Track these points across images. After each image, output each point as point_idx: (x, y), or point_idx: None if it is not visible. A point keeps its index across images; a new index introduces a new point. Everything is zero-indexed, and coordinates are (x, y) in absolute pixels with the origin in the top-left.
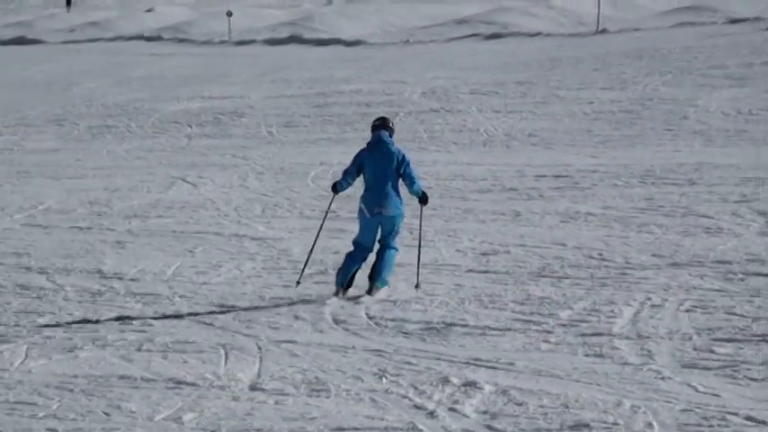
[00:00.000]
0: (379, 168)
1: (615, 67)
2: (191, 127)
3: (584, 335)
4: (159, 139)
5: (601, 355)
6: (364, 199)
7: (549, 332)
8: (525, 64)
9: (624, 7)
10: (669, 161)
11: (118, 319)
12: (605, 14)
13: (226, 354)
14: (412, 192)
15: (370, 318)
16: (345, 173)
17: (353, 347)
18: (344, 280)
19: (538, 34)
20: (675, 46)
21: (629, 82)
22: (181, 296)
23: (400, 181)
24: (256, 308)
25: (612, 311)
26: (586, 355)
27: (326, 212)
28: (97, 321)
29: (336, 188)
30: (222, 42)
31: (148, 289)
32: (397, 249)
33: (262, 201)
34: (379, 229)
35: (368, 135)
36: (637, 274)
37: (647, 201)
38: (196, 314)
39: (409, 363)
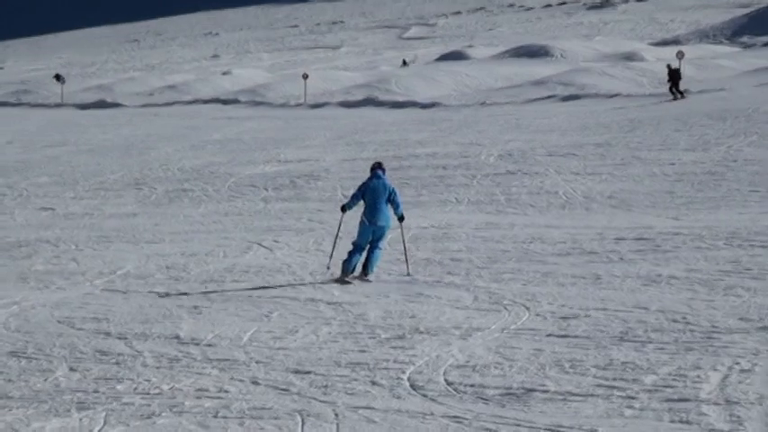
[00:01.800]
0: (377, 194)
1: (697, 128)
2: (267, 190)
3: (669, 400)
4: (235, 203)
5: (687, 422)
6: (365, 214)
7: (632, 398)
8: (604, 125)
9: (706, 67)
10: (756, 223)
11: (195, 385)
12: (687, 74)
13: (302, 420)
14: (396, 213)
15: (449, 383)
16: (353, 197)
17: (432, 414)
18: (349, 268)
19: (616, 95)
20: (760, 106)
21: (712, 143)
22: (257, 362)
23: (389, 204)
24: (333, 373)
25: (699, 376)
26: (672, 422)
27: (339, 228)
28: (174, 387)
29: (344, 208)
30: (298, 105)
31: (225, 354)
32: (382, 249)
33: (338, 265)
34: (372, 235)
35: (436, 195)
36: (724, 338)
37: (732, 263)
38: (272, 380)
39: (489, 429)
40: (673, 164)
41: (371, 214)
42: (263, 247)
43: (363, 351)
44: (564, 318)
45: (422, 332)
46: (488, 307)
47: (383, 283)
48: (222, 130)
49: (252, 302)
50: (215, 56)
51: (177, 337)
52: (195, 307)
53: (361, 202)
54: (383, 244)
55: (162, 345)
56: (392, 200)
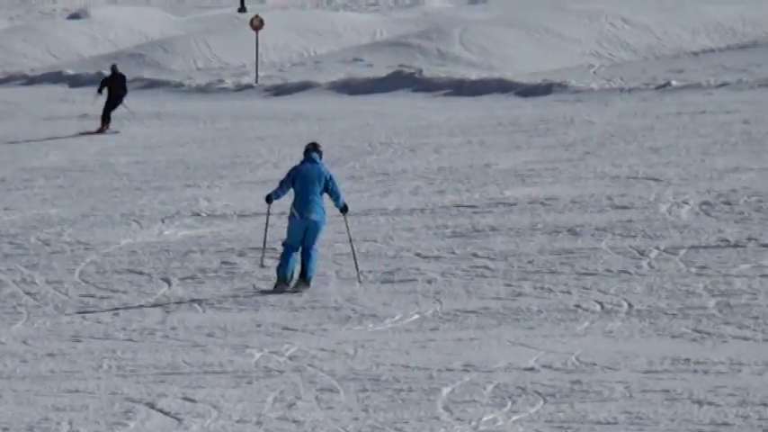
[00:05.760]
0: (309, 182)
1: None
2: (168, 284)
3: None
4: (99, 314)
5: None
6: (295, 205)
7: None
8: None
9: None
10: None
11: None
12: None
13: None
14: (337, 205)
15: None
16: (281, 183)
17: None
18: (286, 275)
19: None
20: None
21: None
22: None
23: (325, 195)
24: None
25: None
26: None
27: (267, 221)
28: None
29: (271, 198)
30: (241, 88)
31: None
32: (317, 251)
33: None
34: (304, 232)
35: (557, 295)
36: None
37: None
38: None
39: None
40: None
41: (302, 205)
42: (160, 412)
43: None
44: None
45: None
46: None
47: None
48: (66, 143)
49: None
50: None
51: None
52: None
53: (292, 192)
54: (318, 245)
55: None
56: (329, 189)
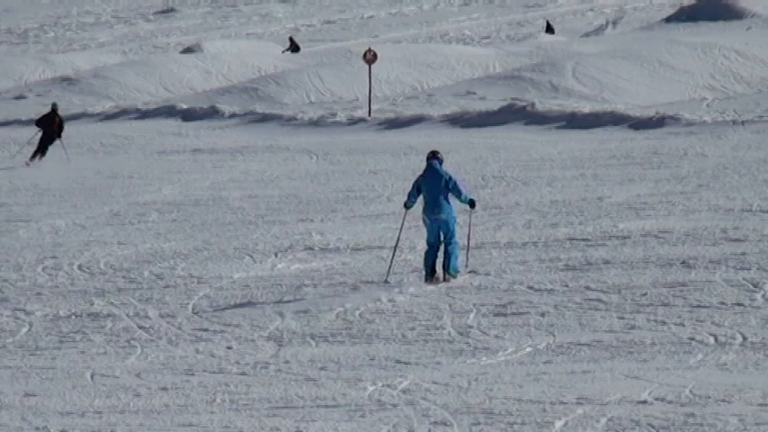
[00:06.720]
0: (433, 187)
1: None
2: (281, 317)
3: None
4: (212, 347)
5: None
6: (425, 211)
7: None
8: None
9: None
10: None
11: None
12: None
13: None
14: (461, 201)
15: None
16: (409, 194)
17: None
18: (428, 270)
19: None
20: None
21: None
22: None
23: (450, 194)
24: None
25: None
26: None
27: (402, 225)
28: None
29: (407, 205)
30: (354, 122)
31: None
32: (458, 242)
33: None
34: (440, 231)
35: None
36: None
37: None
38: None
39: None
40: None
41: (430, 210)
42: None
43: None
44: None
45: None
46: None
47: None
48: (180, 178)
49: None
50: (167, 11)
51: None
52: None
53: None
54: (456, 238)
55: None
56: (451, 188)
